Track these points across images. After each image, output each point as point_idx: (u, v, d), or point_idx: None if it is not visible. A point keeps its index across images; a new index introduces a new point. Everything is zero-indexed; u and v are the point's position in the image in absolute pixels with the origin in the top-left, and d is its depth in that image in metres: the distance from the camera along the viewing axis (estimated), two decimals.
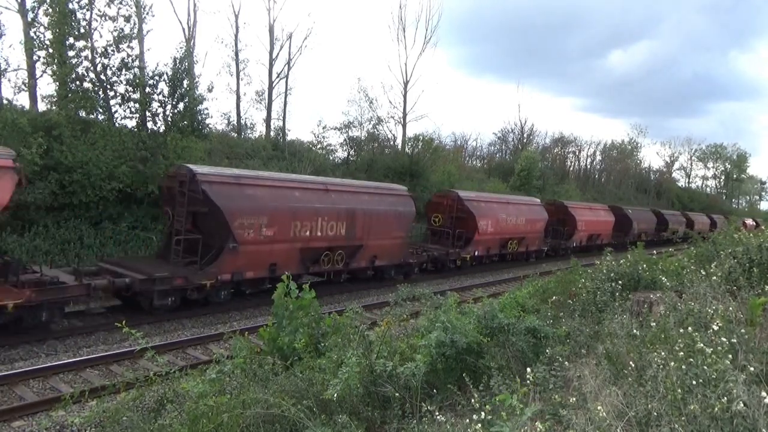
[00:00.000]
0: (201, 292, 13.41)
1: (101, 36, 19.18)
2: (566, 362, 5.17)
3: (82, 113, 18.44)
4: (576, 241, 32.04)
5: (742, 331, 4.54)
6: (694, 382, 3.54)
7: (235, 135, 31.38)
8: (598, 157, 69.30)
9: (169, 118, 19.94)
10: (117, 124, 19.33)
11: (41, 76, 19.38)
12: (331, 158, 32.69)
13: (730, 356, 3.86)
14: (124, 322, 6.44)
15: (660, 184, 75.15)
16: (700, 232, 38.13)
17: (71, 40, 18.14)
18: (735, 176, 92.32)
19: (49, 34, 18.11)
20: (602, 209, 36.66)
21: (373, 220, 17.40)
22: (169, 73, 19.74)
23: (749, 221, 55.53)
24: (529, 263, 27.67)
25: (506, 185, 41.10)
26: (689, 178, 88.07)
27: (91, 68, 18.68)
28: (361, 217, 16.95)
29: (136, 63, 19.80)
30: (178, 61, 20.11)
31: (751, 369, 3.81)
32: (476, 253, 23.22)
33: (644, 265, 9.00)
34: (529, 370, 4.64)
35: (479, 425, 3.49)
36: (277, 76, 33.10)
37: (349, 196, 16.99)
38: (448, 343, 5.51)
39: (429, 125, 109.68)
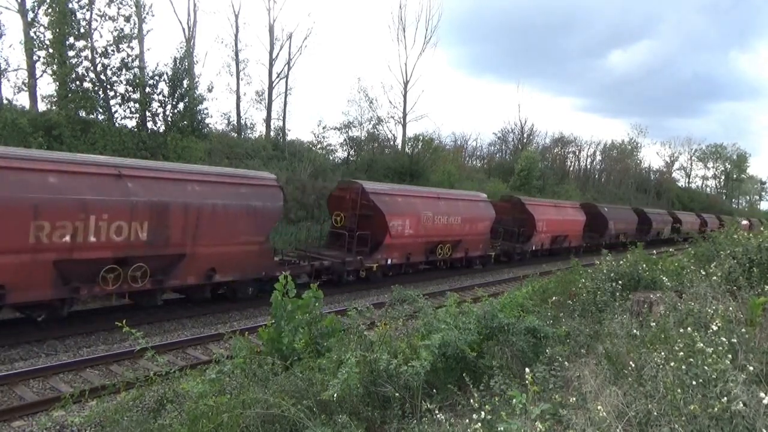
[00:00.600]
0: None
1: (101, 36, 19.28)
2: (566, 362, 5.17)
3: (82, 113, 18.48)
4: (536, 244, 27.70)
5: (742, 331, 4.55)
6: (693, 382, 3.54)
7: (235, 135, 31.41)
8: (598, 157, 69.44)
9: (169, 118, 19.98)
10: (117, 124, 19.36)
11: (41, 76, 19.43)
12: (331, 158, 32.72)
13: (730, 356, 3.86)
14: (124, 321, 6.44)
15: (660, 184, 75.19)
16: (689, 233, 37.55)
17: (71, 40, 18.17)
18: (735, 176, 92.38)
19: (49, 34, 18.15)
20: (571, 207, 32.64)
21: (205, 219, 12.67)
22: (169, 73, 19.76)
23: (743, 221, 55.10)
24: (473, 271, 23.25)
25: (506, 185, 41.11)
26: (689, 178, 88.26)
27: (91, 68, 18.71)
28: (181, 215, 12.20)
29: (136, 63, 19.84)
30: (178, 61, 20.14)
31: (751, 369, 3.82)
32: (388, 262, 18.59)
33: (644, 265, 9.01)
34: (527, 370, 4.64)
35: (479, 425, 3.50)
36: (277, 76, 33.16)
37: (164, 185, 12.08)
38: (451, 343, 5.51)
39: (429, 125, 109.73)
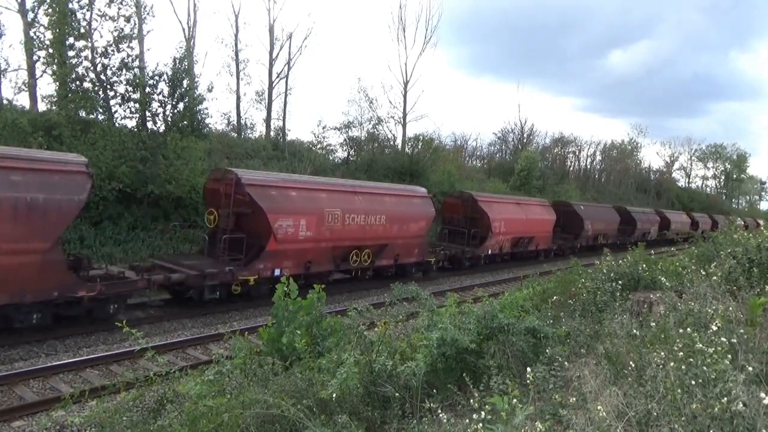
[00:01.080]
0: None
1: (101, 36, 19.26)
2: (566, 362, 5.17)
3: (82, 113, 18.48)
4: (492, 248, 24.10)
5: (742, 331, 4.55)
6: (693, 382, 3.54)
7: (235, 135, 31.41)
8: (598, 157, 69.38)
9: (169, 118, 19.96)
10: (117, 124, 19.36)
11: (41, 76, 19.44)
12: (331, 158, 32.72)
13: (730, 356, 3.86)
14: (124, 321, 6.44)
15: (660, 184, 75.19)
16: (679, 234, 36.40)
17: (71, 40, 18.17)
18: (735, 176, 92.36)
19: (49, 34, 18.15)
20: (538, 205, 29.14)
21: None
22: (169, 73, 19.75)
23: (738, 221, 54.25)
24: (384, 284, 17.07)
25: (506, 185, 41.11)
26: (689, 178, 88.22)
27: (91, 68, 18.70)
28: None
29: (136, 63, 19.83)
30: (177, 61, 20.13)
31: (751, 369, 3.81)
32: (275, 272, 14.34)
33: (644, 265, 9.01)
34: (529, 370, 4.64)
35: (479, 425, 3.49)
36: (277, 76, 33.16)
37: None
38: (449, 342, 5.51)
39: (429, 125, 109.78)
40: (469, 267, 23.43)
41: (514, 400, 3.61)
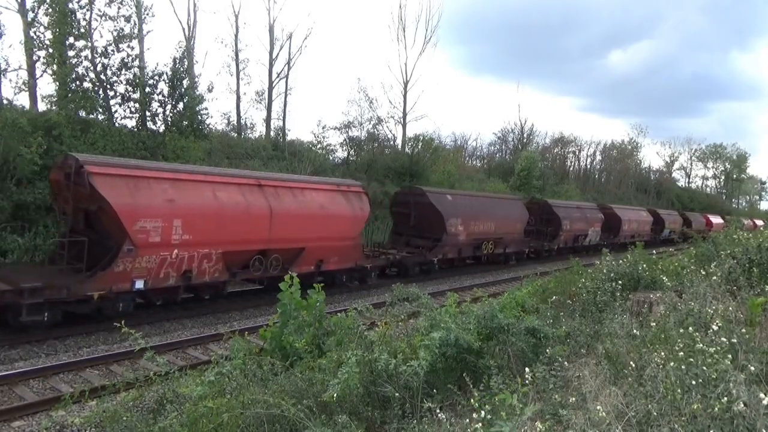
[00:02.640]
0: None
1: (101, 36, 19.25)
2: (566, 362, 5.17)
3: (82, 113, 18.46)
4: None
5: (742, 331, 4.55)
6: (693, 382, 3.54)
7: (235, 135, 31.40)
8: (598, 157, 69.40)
9: (169, 118, 19.96)
10: (117, 124, 19.36)
11: (41, 76, 19.41)
12: (331, 158, 32.71)
13: (730, 356, 3.86)
14: (123, 322, 6.44)
15: (660, 184, 75.22)
16: (635, 237, 31.96)
17: (71, 40, 18.17)
18: (735, 176, 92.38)
19: (49, 34, 18.15)
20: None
21: None
22: (169, 73, 19.75)
23: (716, 219, 51.78)
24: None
25: (506, 185, 41.11)
26: (689, 178, 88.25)
27: (91, 68, 18.71)
28: None
29: (136, 63, 19.83)
30: (177, 61, 20.12)
31: (751, 369, 3.81)
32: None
33: (644, 265, 9.01)
34: (527, 369, 4.64)
35: (479, 425, 3.49)
36: (277, 76, 33.14)
37: None
38: (451, 342, 5.51)
39: (429, 125, 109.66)
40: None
41: (515, 400, 3.61)
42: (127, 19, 19.44)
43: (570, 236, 29.78)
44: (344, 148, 34.54)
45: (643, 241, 31.22)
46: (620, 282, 8.28)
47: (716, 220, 52.47)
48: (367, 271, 17.96)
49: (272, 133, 32.98)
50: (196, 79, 23.24)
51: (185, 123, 20.17)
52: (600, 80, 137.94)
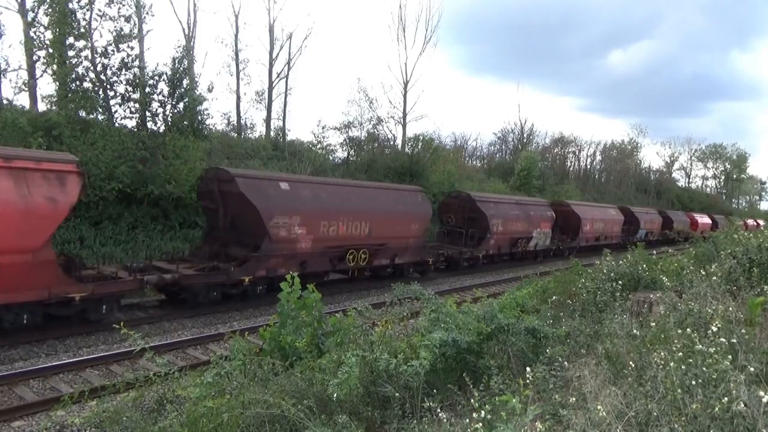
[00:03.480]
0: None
1: (101, 36, 19.23)
2: (566, 362, 5.17)
3: (82, 113, 18.45)
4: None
5: (743, 331, 4.55)
6: (693, 383, 3.54)
7: (235, 135, 31.39)
8: (598, 157, 69.42)
9: (169, 118, 19.95)
10: (117, 124, 19.34)
11: (41, 76, 19.41)
12: (331, 158, 32.70)
13: (730, 356, 3.86)
14: (122, 323, 6.43)
15: (660, 184, 75.23)
16: (600, 240, 30.02)
17: (71, 40, 18.16)
18: (735, 176, 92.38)
19: (49, 34, 18.14)
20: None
21: None
22: (169, 72, 19.74)
23: (703, 219, 49.30)
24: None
25: (506, 185, 41.10)
26: (689, 178, 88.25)
27: (91, 68, 18.69)
28: None
29: (136, 63, 19.81)
30: (176, 60, 20.11)
31: (751, 369, 3.81)
32: None
33: (644, 265, 9.01)
34: (528, 369, 4.64)
35: (479, 425, 3.49)
36: (277, 76, 33.14)
37: None
38: (450, 343, 5.51)
39: (429, 125, 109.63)
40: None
41: (516, 402, 3.61)
42: (127, 19, 19.43)
43: (502, 239, 24.06)
44: (344, 148, 34.57)
45: (611, 244, 27.61)
46: (620, 282, 8.28)
47: (703, 219, 49.24)
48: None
49: (272, 133, 32.97)
50: (196, 79, 23.26)
51: (185, 123, 20.16)
52: (600, 80, 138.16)
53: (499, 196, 27.20)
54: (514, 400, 3.57)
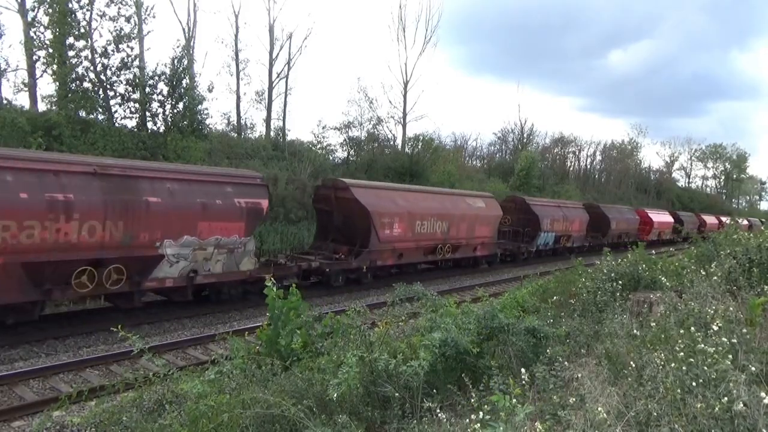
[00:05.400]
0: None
1: (101, 36, 19.24)
2: (566, 362, 5.16)
3: (82, 113, 18.46)
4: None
5: (743, 331, 4.54)
6: (694, 383, 3.54)
7: (235, 135, 31.40)
8: (598, 157, 69.44)
9: (169, 118, 19.95)
10: (117, 124, 19.35)
11: (41, 76, 19.42)
12: (331, 158, 32.71)
13: (731, 356, 3.86)
14: (120, 327, 6.41)
15: (660, 184, 75.23)
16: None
17: (71, 40, 18.17)
18: (735, 176, 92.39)
19: (49, 34, 18.15)
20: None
21: None
22: (168, 73, 19.75)
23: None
24: None
25: (506, 185, 41.10)
26: (689, 178, 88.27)
27: (91, 68, 18.71)
28: None
29: (136, 63, 19.82)
30: (176, 60, 20.12)
31: (752, 369, 3.81)
32: None
33: (644, 265, 9.00)
34: (523, 370, 4.63)
35: (478, 425, 3.49)
36: (277, 76, 33.15)
37: None
38: (450, 343, 5.50)
39: (429, 125, 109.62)
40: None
41: (514, 400, 3.60)
42: (127, 19, 19.45)
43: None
44: (344, 148, 34.59)
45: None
46: (620, 282, 8.27)
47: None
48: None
49: (272, 133, 32.98)
50: (196, 79, 23.27)
51: (185, 123, 20.16)
52: (600, 80, 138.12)
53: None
54: (504, 399, 3.57)
